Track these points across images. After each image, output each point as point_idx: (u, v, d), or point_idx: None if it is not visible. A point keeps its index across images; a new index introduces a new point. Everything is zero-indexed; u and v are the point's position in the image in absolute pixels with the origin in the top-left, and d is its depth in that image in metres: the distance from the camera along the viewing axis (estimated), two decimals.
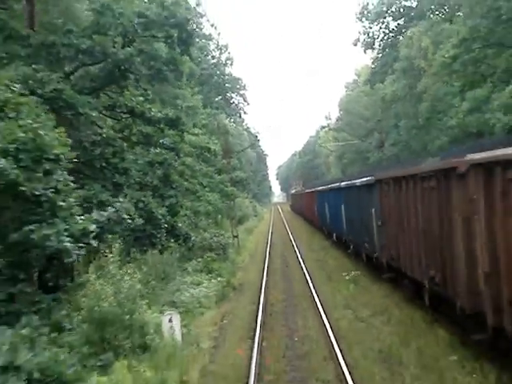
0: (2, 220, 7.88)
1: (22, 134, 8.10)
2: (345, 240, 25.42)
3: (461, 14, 29.80)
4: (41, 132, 8.27)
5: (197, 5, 51.27)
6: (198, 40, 37.95)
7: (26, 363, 6.22)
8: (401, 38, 46.12)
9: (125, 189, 16.67)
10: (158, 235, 17.83)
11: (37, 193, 8.04)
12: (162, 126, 19.70)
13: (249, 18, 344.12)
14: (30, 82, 14.85)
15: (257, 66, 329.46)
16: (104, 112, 19.07)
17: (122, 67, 17.42)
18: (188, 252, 22.60)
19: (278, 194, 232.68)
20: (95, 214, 10.28)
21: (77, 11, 23.36)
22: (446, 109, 33.25)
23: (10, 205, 8.25)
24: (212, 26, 58.96)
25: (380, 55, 52.55)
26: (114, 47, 17.28)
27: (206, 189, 30.05)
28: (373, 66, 54.15)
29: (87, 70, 18.62)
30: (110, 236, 11.51)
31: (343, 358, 10.47)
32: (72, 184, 9.26)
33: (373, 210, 16.91)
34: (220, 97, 56.41)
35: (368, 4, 51.20)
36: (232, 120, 61.24)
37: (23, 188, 7.81)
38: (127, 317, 11.74)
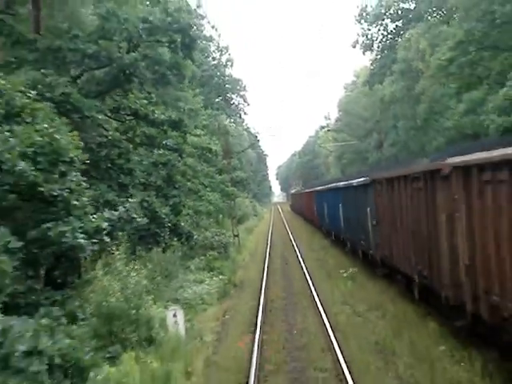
0: (20, 218, 8.44)
1: (39, 138, 8.68)
2: (342, 238, 26.09)
3: (457, 17, 30.27)
4: (57, 136, 8.85)
5: (197, 7, 51.85)
6: (199, 42, 38.45)
7: (48, 349, 6.80)
8: (399, 39, 46.70)
9: (130, 189, 17.22)
10: (162, 234, 18.39)
11: (54, 193, 8.61)
12: (165, 127, 20.27)
13: (249, 18, 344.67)
14: (39, 86, 15.42)
15: (257, 66, 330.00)
16: (109, 114, 19.64)
17: (127, 71, 17.97)
18: (190, 251, 23.15)
19: (277, 193, 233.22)
20: (107, 213, 10.87)
21: (81, 16, 23.96)
22: (442, 110, 33.86)
23: (28, 204, 8.82)
24: (213, 27, 59.64)
25: (379, 57, 53.14)
26: (120, 52, 17.83)
27: (208, 189, 30.63)
28: (371, 68, 54.75)
29: (93, 74, 19.19)
30: (120, 233, 12.06)
31: (340, 350, 11.05)
32: (84, 184, 9.84)
33: (368, 209, 17.59)
34: (220, 97, 56.99)
35: (367, 6, 51.82)
36: (232, 120, 61.80)
37: (41, 189, 8.38)
38: (133, 311, 12.21)
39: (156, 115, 19.67)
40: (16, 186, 8.30)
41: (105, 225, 10.00)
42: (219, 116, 46.84)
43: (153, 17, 19.03)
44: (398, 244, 14.28)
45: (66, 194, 8.88)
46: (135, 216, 12.88)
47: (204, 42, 51.85)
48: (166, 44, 19.33)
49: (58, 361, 7.04)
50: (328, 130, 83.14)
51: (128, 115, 20.16)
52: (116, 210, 11.95)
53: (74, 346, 7.45)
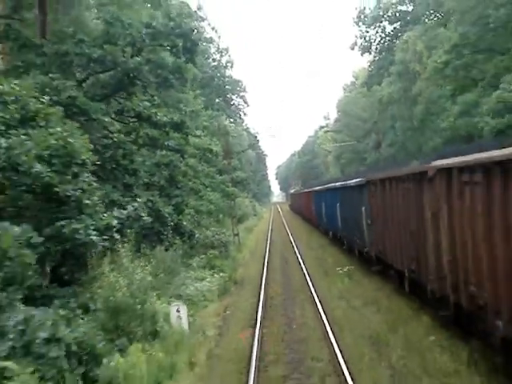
0: (35, 217, 9.01)
1: (54, 142, 9.25)
2: (339, 237, 26.80)
3: (454, 20, 30.87)
4: (70, 140, 9.43)
5: (198, 9, 52.43)
6: (199, 44, 39.04)
7: (65, 337, 7.38)
8: (397, 41, 47.30)
9: (134, 189, 17.80)
10: (165, 232, 18.97)
11: (68, 193, 9.19)
12: (167, 129, 20.85)
13: (249, 19, 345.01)
14: (47, 89, 15.99)
15: (257, 66, 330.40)
16: (113, 116, 20.20)
17: (131, 75, 18.54)
18: (190, 249, 23.72)
19: (277, 193, 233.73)
20: (116, 212, 11.46)
21: (86, 20, 24.54)
22: (439, 111, 34.49)
23: (43, 203, 9.39)
24: (213, 29, 60.22)
25: (377, 58, 53.78)
26: (124, 56, 18.39)
27: (208, 189, 31.21)
28: (370, 69, 55.38)
29: (98, 77, 19.75)
30: (128, 231, 12.65)
31: (336, 342, 11.63)
32: (94, 184, 10.44)
33: (363, 208, 18.33)
34: (220, 98, 57.59)
35: (365, 9, 52.44)
36: (232, 121, 62.39)
37: (56, 189, 8.96)
38: (139, 306, 12.75)
39: (158, 117, 20.23)
40: (32, 186, 8.87)
41: (115, 222, 10.61)
42: (219, 117, 47.42)
43: (156, 22, 19.62)
44: (391, 241, 15.12)
45: (78, 194, 9.47)
46: (143, 215, 13.48)
47: (204, 43, 52.41)
48: (169, 48, 19.92)
49: (74, 348, 7.64)
50: (327, 131, 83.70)
51: (131, 117, 20.72)
52: (125, 209, 12.53)
53: (89, 335, 8.04)
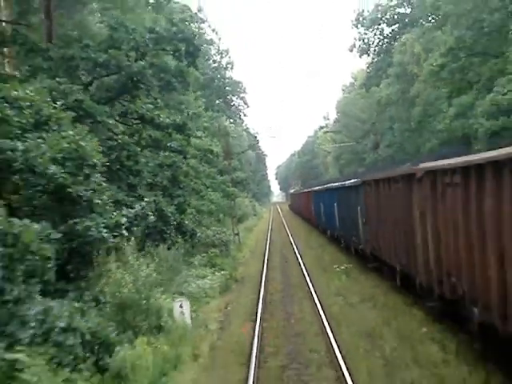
0: (49, 216, 9.58)
1: (67, 145, 9.84)
2: (337, 235, 27.50)
3: (450, 23, 31.47)
4: (82, 143, 10.01)
5: (198, 10, 53.03)
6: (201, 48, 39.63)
7: (80, 327, 7.97)
8: (395, 43, 47.90)
9: (138, 189, 18.39)
10: (168, 231, 19.52)
11: (80, 194, 9.78)
12: (169, 130, 21.44)
13: (249, 19, 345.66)
14: (54, 93, 16.56)
15: (257, 66, 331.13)
16: (117, 118, 20.78)
17: (135, 79, 19.12)
18: (192, 248, 24.28)
19: (277, 193, 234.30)
20: (125, 211, 12.06)
21: (90, 24, 25.16)
22: (436, 113, 35.11)
23: (57, 203, 9.98)
24: (213, 31, 60.79)
25: (375, 60, 54.41)
26: (128, 61, 18.97)
27: (209, 189, 31.80)
28: (368, 71, 56.00)
29: (102, 81, 20.34)
30: (135, 229, 13.24)
31: (333, 335, 12.22)
32: (104, 184, 11.04)
33: (359, 208, 19.12)
34: (221, 99, 58.19)
35: (363, 11, 53.03)
36: (232, 121, 62.98)
37: (70, 190, 9.55)
38: (144, 302, 13.32)
39: (161, 119, 20.81)
40: (46, 186, 9.46)
41: (123, 220, 11.22)
42: (220, 118, 48.01)
43: (159, 27, 20.23)
44: (384, 239, 16.02)
45: (89, 194, 10.07)
46: (150, 213, 14.08)
47: (205, 45, 52.99)
48: (171, 52, 20.51)
49: (88, 337, 8.22)
50: (326, 132, 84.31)
51: (135, 119, 21.31)
52: (132, 208, 13.13)
53: (102, 325, 8.63)
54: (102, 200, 10.58)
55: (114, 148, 18.30)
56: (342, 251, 26.02)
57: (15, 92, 9.72)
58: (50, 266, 7.93)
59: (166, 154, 21.35)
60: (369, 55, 54.65)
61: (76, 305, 8.47)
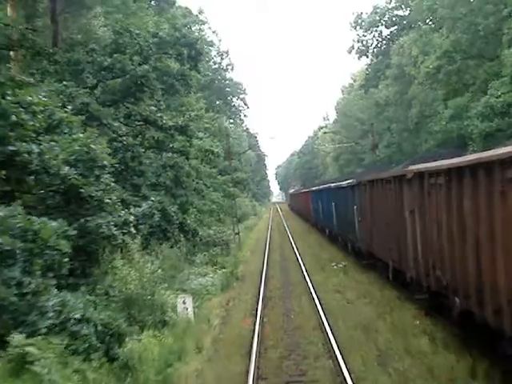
0: (62, 215, 10.15)
1: (78, 148, 10.43)
2: (335, 234, 28.22)
3: (446, 27, 32.07)
4: (92, 146, 10.61)
5: (199, 12, 53.57)
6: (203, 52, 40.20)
7: (94, 318, 8.57)
8: (393, 45, 48.43)
9: (142, 189, 18.99)
10: (171, 230, 20.10)
11: (92, 194, 10.39)
12: (172, 132, 22.03)
13: (250, 20, 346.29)
14: (61, 96, 17.14)
15: (257, 67, 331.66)
16: (121, 120, 21.37)
17: (139, 82, 19.73)
18: (193, 247, 24.85)
19: (276, 193, 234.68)
20: (133, 210, 12.68)
21: (94, 28, 25.70)
22: (433, 114, 35.73)
23: (68, 202, 10.57)
24: (213, 32, 61.34)
25: (374, 62, 54.98)
26: (133, 64, 19.57)
27: (210, 189, 32.38)
28: (367, 73, 56.61)
29: (107, 84, 20.93)
30: (142, 226, 13.85)
31: (330, 328, 12.82)
32: (113, 184, 11.65)
33: (355, 207, 19.97)
34: (221, 100, 58.76)
35: (362, 13, 53.60)
36: (231, 121, 63.55)
37: (82, 190, 10.15)
38: (149, 297, 13.91)
39: (164, 121, 21.40)
40: (60, 187, 10.05)
41: (132, 218, 11.84)
42: (220, 118, 48.55)
43: (162, 32, 20.85)
44: (377, 236, 16.98)
45: (100, 194, 10.67)
46: (156, 212, 14.70)
47: (205, 46, 53.52)
48: (174, 56, 21.13)
49: (100, 328, 8.82)
50: (325, 133, 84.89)
51: (138, 121, 21.90)
52: (139, 207, 13.75)
53: (113, 317, 9.24)
54: (111, 199, 11.19)
55: (118, 149, 18.88)
56: (340, 249, 26.65)
57: (29, 97, 10.29)
58: (66, 260, 8.51)
59: (169, 155, 21.95)
60: (367, 57, 55.27)
61: (89, 298, 9.05)
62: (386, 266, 16.08)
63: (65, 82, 17.64)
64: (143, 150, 20.88)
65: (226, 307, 17.36)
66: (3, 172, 10.27)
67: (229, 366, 11.17)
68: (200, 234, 24.81)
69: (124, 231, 11.55)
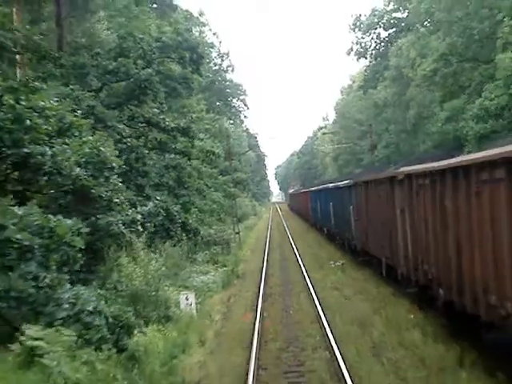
0: (73, 214, 10.72)
1: (88, 150, 11.02)
2: (333, 233, 28.92)
3: (442, 30, 32.67)
4: (102, 148, 11.20)
5: (200, 15, 54.17)
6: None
7: (104, 310, 9.15)
8: (392, 47, 48.99)
9: (145, 189, 19.57)
10: (174, 229, 20.68)
11: (101, 194, 10.98)
12: (174, 133, 22.63)
13: (250, 20, 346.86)
14: (68, 99, 17.70)
15: (258, 68, 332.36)
16: (125, 122, 21.95)
17: (143, 85, 20.31)
18: (195, 246, 25.41)
19: (276, 193, 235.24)
20: (139, 209, 13.27)
21: (98, 31, 26.29)
22: (430, 116, 36.35)
23: (78, 202, 11.16)
24: (214, 34, 61.94)
25: (372, 63, 55.56)
26: (136, 68, 20.15)
27: (211, 189, 32.97)
28: (365, 74, 57.22)
29: (111, 87, 21.52)
30: (148, 224, 14.44)
31: (327, 322, 13.40)
32: (120, 185, 12.24)
33: (351, 207, 20.71)
34: (221, 102, 59.36)
35: (360, 16, 54.16)
36: (231, 122, 64.13)
37: (92, 190, 10.75)
38: (153, 293, 14.47)
39: (167, 123, 21.99)
40: (72, 187, 10.63)
41: (139, 217, 12.45)
42: (221, 119, 49.13)
43: (164, 36, 21.44)
44: (372, 235, 17.91)
45: (109, 194, 11.26)
46: (161, 211, 15.30)
47: (206, 48, 54.11)
48: (176, 60, 21.72)
49: (110, 320, 9.41)
50: (324, 133, 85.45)
51: (141, 123, 22.48)
52: (145, 206, 14.35)
53: (122, 310, 9.83)
54: (119, 199, 11.79)
55: (123, 151, 19.44)
56: (338, 248, 27.25)
57: (42, 102, 10.85)
58: (80, 256, 9.10)
59: (172, 156, 22.54)
60: (366, 58, 55.85)
61: (100, 292, 9.64)
62: (380, 262, 16.82)
63: (71, 86, 18.20)
64: (147, 152, 21.44)
65: (227, 303, 17.93)
66: (16, 173, 10.89)
67: (231, 358, 11.74)
68: (201, 233, 25.39)
69: (132, 229, 12.13)
